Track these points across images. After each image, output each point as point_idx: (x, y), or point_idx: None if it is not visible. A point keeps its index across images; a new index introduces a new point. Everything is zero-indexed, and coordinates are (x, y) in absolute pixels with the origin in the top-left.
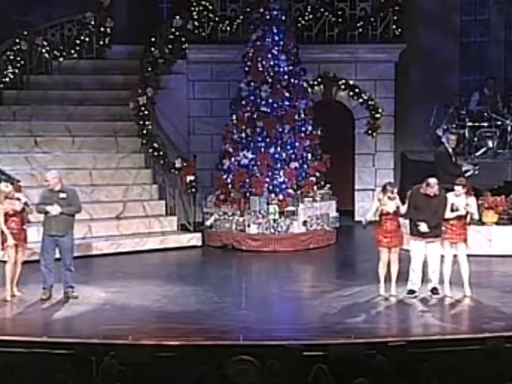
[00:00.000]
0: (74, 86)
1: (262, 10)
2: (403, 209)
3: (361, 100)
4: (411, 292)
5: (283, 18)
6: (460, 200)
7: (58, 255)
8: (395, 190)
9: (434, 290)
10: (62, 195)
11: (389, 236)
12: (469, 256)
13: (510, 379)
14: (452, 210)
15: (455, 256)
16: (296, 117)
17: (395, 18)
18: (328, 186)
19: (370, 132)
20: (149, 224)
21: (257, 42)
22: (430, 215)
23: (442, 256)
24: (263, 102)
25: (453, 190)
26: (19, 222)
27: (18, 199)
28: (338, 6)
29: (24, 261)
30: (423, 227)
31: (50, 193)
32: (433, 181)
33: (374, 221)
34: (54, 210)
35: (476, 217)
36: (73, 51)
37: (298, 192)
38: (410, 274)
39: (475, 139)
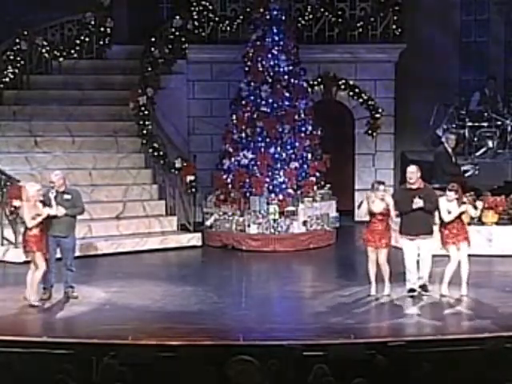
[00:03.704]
0: (74, 85)
1: (262, 10)
2: (394, 212)
3: (361, 100)
4: (412, 291)
5: (283, 18)
6: (452, 205)
7: (58, 255)
8: (381, 188)
9: (424, 287)
10: (67, 196)
11: (376, 237)
12: (469, 256)
13: (510, 379)
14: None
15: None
16: (296, 117)
17: (395, 17)
18: (328, 186)
19: (370, 132)
20: (149, 224)
21: (257, 42)
22: (418, 212)
23: (434, 256)
24: (263, 102)
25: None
26: (43, 227)
27: (42, 202)
28: (337, 6)
29: (24, 261)
30: (418, 202)
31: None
32: (411, 168)
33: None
34: (59, 211)
35: (473, 214)
36: (73, 51)
37: (298, 192)
38: (406, 273)
39: (475, 139)
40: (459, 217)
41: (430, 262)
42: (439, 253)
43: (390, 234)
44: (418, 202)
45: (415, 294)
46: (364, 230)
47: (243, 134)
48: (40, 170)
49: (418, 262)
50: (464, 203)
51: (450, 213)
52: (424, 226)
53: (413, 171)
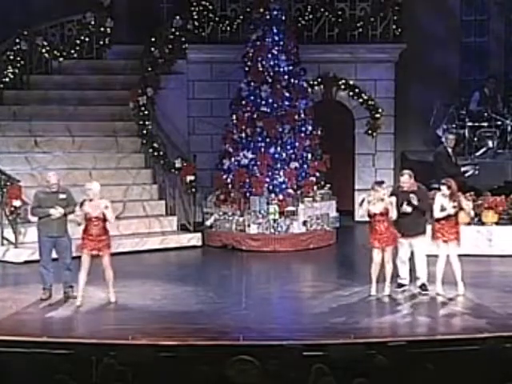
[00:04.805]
0: (74, 85)
1: (262, 10)
2: (394, 212)
3: (361, 100)
4: (400, 286)
5: (283, 18)
6: (447, 200)
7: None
8: (379, 189)
9: (423, 287)
10: (62, 196)
11: (381, 237)
12: (469, 256)
13: (510, 379)
14: (441, 211)
15: (448, 256)
16: (296, 117)
17: (395, 18)
18: (328, 186)
19: (370, 132)
20: (149, 224)
21: (257, 42)
22: (412, 212)
23: (429, 256)
24: (263, 102)
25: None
26: (101, 228)
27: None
28: (337, 6)
29: (24, 261)
30: (406, 208)
31: (46, 194)
32: (404, 175)
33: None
34: (58, 212)
35: (470, 212)
36: (73, 51)
37: (298, 192)
38: (398, 269)
39: (475, 139)
40: (454, 216)
41: (426, 261)
42: (436, 253)
43: (391, 231)
44: (408, 208)
45: (404, 288)
46: (369, 235)
47: (243, 134)
48: (40, 170)
49: (411, 261)
50: (457, 202)
51: (444, 209)
52: (416, 227)
53: (405, 181)
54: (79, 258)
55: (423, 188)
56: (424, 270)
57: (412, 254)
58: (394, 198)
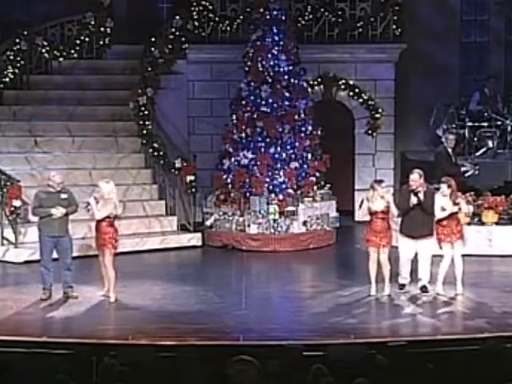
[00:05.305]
0: (74, 85)
1: (262, 10)
2: (394, 210)
3: (361, 100)
4: (402, 286)
5: (283, 18)
6: (447, 199)
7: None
8: (378, 187)
9: (424, 289)
10: (64, 196)
11: (378, 236)
12: (469, 256)
13: (510, 379)
14: (442, 211)
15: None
16: (296, 117)
17: (395, 18)
18: (328, 186)
19: (370, 132)
20: (149, 224)
21: (257, 42)
22: (418, 212)
23: (433, 256)
24: (263, 102)
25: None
26: (104, 227)
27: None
28: (338, 6)
29: (24, 261)
30: (414, 200)
31: (48, 194)
32: (414, 174)
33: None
34: (60, 212)
35: (465, 209)
36: (73, 51)
37: (298, 192)
38: (399, 269)
39: (475, 139)
40: (456, 215)
41: (430, 263)
42: (438, 253)
43: (390, 232)
44: (414, 199)
45: (405, 289)
46: (366, 230)
47: (243, 134)
48: (40, 170)
49: (415, 262)
50: (457, 204)
51: (444, 210)
52: (424, 228)
53: (414, 179)
54: (80, 258)
55: (431, 188)
56: (427, 273)
57: (416, 254)
58: (390, 196)
